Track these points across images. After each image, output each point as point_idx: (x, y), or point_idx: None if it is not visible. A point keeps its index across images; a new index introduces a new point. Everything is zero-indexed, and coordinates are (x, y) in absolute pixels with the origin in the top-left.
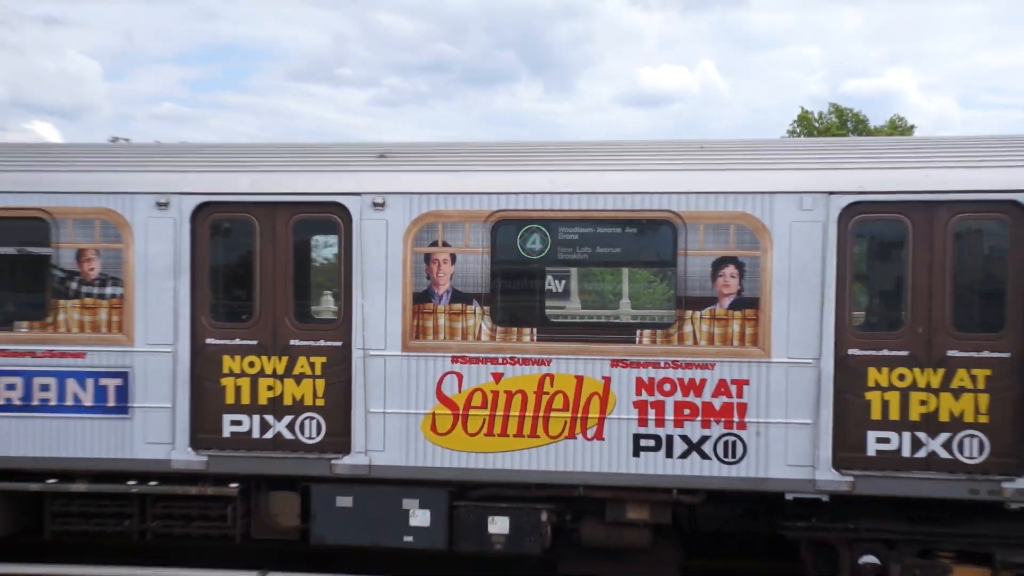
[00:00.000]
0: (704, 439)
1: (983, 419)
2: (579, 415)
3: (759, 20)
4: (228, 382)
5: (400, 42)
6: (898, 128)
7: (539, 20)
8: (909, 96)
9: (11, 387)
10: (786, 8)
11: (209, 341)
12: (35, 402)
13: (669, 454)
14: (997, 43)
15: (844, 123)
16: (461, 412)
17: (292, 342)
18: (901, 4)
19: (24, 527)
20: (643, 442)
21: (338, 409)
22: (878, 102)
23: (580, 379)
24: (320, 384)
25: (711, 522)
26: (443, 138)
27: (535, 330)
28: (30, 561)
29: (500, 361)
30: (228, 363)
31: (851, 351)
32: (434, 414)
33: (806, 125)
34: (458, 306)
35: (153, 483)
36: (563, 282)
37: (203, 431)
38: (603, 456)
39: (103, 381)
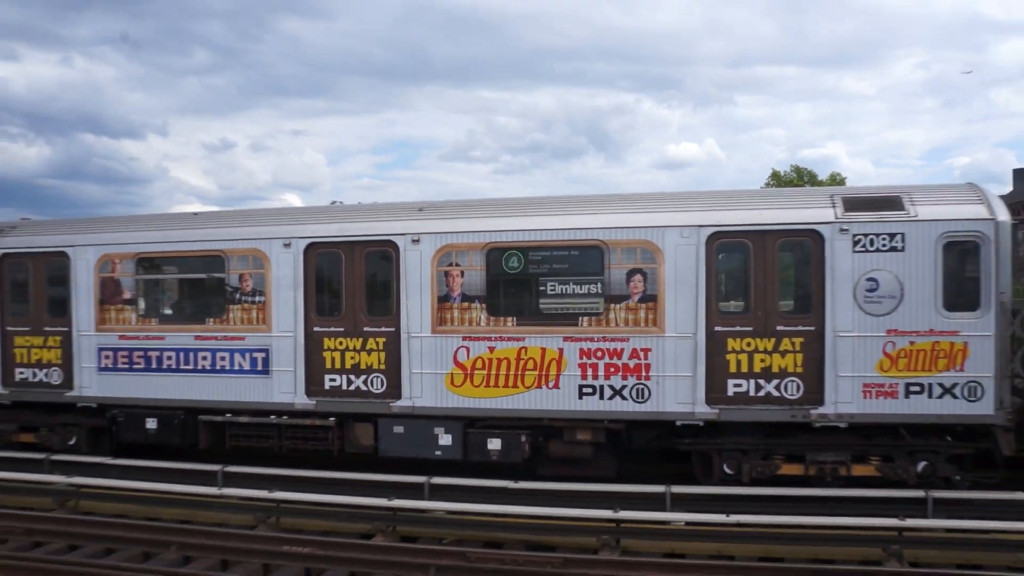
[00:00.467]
0: (623, 387)
1: (799, 370)
2: (543, 373)
3: (743, 113)
4: (327, 355)
5: (510, 133)
6: (836, 180)
7: (600, 115)
8: (841, 159)
9: (205, 358)
10: (760, 105)
11: (316, 329)
12: (219, 367)
13: (601, 397)
14: (895, 126)
15: (801, 178)
16: (469, 372)
17: (365, 328)
18: (835, 101)
19: (214, 443)
20: (584, 390)
21: (393, 371)
22: (822, 163)
23: (544, 350)
24: (380, 355)
25: (640, 442)
26: (533, 193)
27: (514, 318)
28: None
29: (493, 338)
30: (327, 342)
31: (716, 328)
32: (452, 373)
33: (776, 179)
34: (466, 304)
35: (285, 417)
36: (531, 286)
37: (313, 384)
38: (559, 399)
39: (255, 354)
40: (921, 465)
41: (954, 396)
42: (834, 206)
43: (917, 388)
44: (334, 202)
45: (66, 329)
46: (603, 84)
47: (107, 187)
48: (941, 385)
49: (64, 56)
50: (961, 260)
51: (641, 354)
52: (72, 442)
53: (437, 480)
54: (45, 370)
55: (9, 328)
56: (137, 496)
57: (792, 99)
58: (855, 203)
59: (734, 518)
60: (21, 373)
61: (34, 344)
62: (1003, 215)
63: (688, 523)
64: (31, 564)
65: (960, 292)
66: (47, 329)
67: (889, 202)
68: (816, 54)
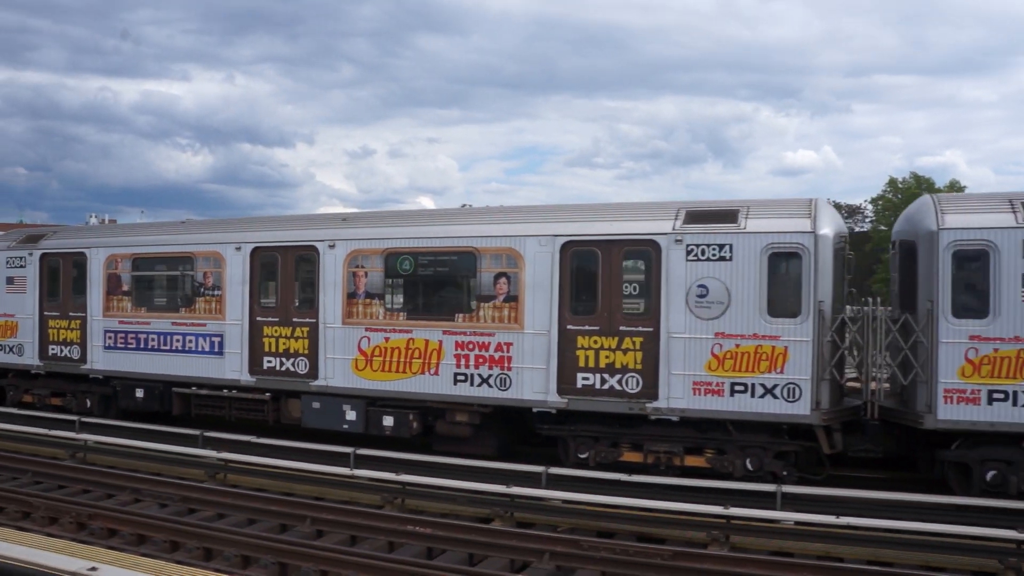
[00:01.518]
0: (490, 376)
1: (639, 367)
2: (426, 361)
3: (860, 121)
4: (265, 340)
5: (632, 140)
6: (954, 187)
7: (719, 123)
8: (960, 167)
9: (178, 340)
10: (877, 113)
11: (258, 318)
12: (187, 348)
13: (472, 384)
14: (1016, 133)
15: (920, 186)
16: (369, 358)
17: (294, 319)
18: (953, 109)
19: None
20: (458, 377)
21: (313, 355)
22: (940, 171)
23: (427, 341)
24: (305, 342)
25: (516, 425)
26: (654, 198)
27: (405, 314)
28: None
29: (388, 330)
30: (266, 330)
31: (568, 326)
32: (356, 359)
33: (893, 187)
34: (368, 300)
35: (234, 391)
36: (419, 286)
37: (255, 365)
38: (439, 384)
39: (213, 338)
40: (748, 460)
41: (774, 396)
42: (675, 219)
43: (741, 387)
44: (464, 205)
45: (83, 315)
46: (723, 93)
47: (260, 191)
48: (763, 385)
49: (227, 74)
50: (784, 270)
51: (504, 347)
52: (88, 406)
53: (555, 470)
54: (69, 347)
55: (46, 313)
56: (276, 472)
57: (909, 107)
58: (695, 216)
59: (844, 520)
60: (52, 349)
61: (62, 326)
62: (825, 229)
63: (797, 523)
64: (187, 528)
65: (782, 299)
66: (71, 314)
67: (724, 215)
68: (934, 63)
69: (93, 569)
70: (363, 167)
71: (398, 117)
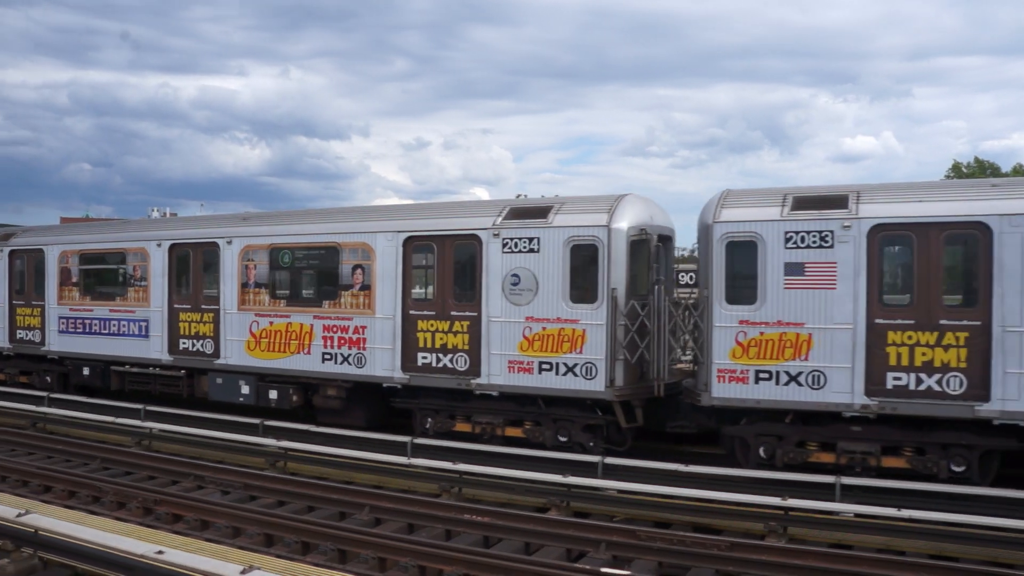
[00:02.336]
0: (349, 355)
1: (465, 347)
2: (301, 342)
3: (922, 105)
4: (181, 325)
5: (687, 128)
6: (1019, 171)
7: (775, 110)
8: None
9: (115, 325)
10: (940, 97)
11: (175, 306)
12: (122, 331)
13: (336, 362)
14: None
15: (984, 170)
16: (258, 340)
17: (203, 307)
18: (1021, 90)
19: (120, 386)
20: (325, 356)
21: (216, 337)
22: (1006, 155)
23: (301, 325)
24: (210, 326)
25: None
26: (711, 187)
27: (285, 301)
28: None
29: (272, 315)
30: (181, 316)
31: (410, 311)
32: (248, 340)
33: (957, 171)
34: (257, 289)
35: (157, 369)
36: (296, 276)
37: (173, 346)
38: (311, 363)
39: (141, 323)
40: (558, 432)
41: (575, 374)
42: (498, 215)
43: (548, 366)
44: (519, 195)
45: (42, 304)
46: (779, 80)
47: (316, 183)
48: (565, 364)
49: (283, 69)
50: (583, 260)
51: (360, 330)
52: (48, 381)
53: (610, 460)
54: (31, 332)
55: (14, 302)
56: (335, 461)
57: (974, 90)
58: (514, 212)
59: (906, 513)
60: (19, 334)
61: (27, 314)
62: (620, 223)
63: (857, 515)
64: (248, 515)
65: (581, 287)
66: (33, 303)
67: (538, 211)
68: (1001, 43)
69: (160, 552)
70: (417, 159)
71: (452, 109)
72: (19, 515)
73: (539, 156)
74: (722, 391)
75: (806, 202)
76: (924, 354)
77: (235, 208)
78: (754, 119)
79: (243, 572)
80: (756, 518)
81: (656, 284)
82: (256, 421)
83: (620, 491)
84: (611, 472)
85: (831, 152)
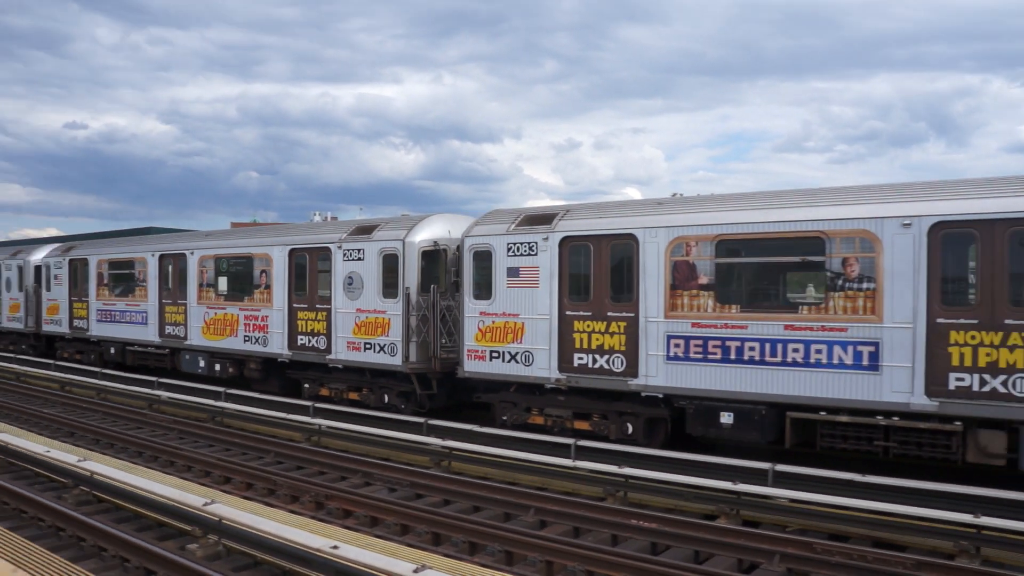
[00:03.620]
0: (260, 338)
1: (322, 331)
2: (232, 327)
3: None
4: (166, 315)
5: (845, 122)
6: None
7: (941, 99)
8: None
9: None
10: None
11: (163, 302)
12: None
13: (255, 344)
14: None
15: None
16: (208, 327)
17: (178, 301)
18: None
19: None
20: (246, 339)
21: (185, 325)
22: None
23: (235, 315)
24: (183, 316)
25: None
26: (869, 182)
27: (224, 296)
28: None
29: (217, 308)
30: (167, 309)
31: (293, 304)
32: (202, 327)
33: None
34: (208, 288)
35: (148, 348)
36: (230, 280)
37: (161, 332)
38: (239, 344)
39: (141, 314)
40: (384, 396)
41: (385, 352)
42: (345, 233)
43: (369, 346)
44: (675, 194)
45: (87, 299)
46: (945, 66)
47: (469, 186)
48: (379, 345)
49: (435, 75)
50: (390, 265)
51: (266, 319)
52: (92, 359)
53: (781, 467)
54: (81, 321)
55: (72, 298)
56: (499, 462)
57: None
58: (354, 230)
59: None
60: (76, 323)
61: (78, 307)
62: (415, 238)
63: None
64: (416, 513)
65: (388, 286)
66: (83, 299)
67: (366, 229)
68: None
69: (335, 547)
70: (569, 160)
71: (602, 109)
72: (205, 504)
73: (691, 154)
74: (471, 367)
75: (526, 220)
76: (594, 339)
77: (392, 211)
78: (918, 110)
79: (416, 571)
80: (944, 535)
81: (433, 284)
82: (420, 420)
83: (792, 500)
84: (782, 480)
85: (1005, 142)
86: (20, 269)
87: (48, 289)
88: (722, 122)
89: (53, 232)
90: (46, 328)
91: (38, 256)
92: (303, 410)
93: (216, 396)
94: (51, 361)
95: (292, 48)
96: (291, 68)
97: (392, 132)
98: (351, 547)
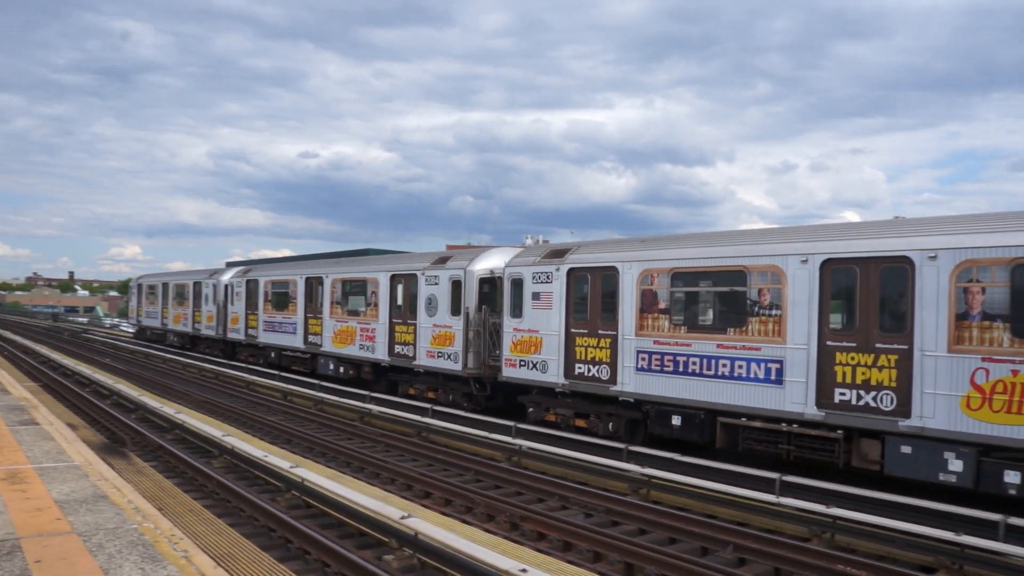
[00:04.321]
0: (370, 346)
1: (412, 343)
2: (352, 337)
3: None
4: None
5: None
6: None
7: None
8: None
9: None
10: None
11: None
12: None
13: (366, 352)
14: None
15: None
16: (336, 337)
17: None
18: None
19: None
20: (361, 347)
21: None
22: None
23: (354, 327)
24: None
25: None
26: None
27: (347, 312)
28: None
29: (341, 322)
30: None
31: (393, 320)
32: (331, 336)
33: None
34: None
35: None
36: (349, 298)
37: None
38: (356, 351)
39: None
40: (451, 397)
41: (451, 359)
42: (427, 262)
43: (442, 355)
44: (896, 216)
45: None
46: None
47: (681, 209)
48: (447, 354)
49: (646, 99)
50: (456, 290)
51: (371, 331)
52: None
53: (1014, 520)
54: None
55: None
56: (698, 493)
57: None
58: (435, 261)
59: None
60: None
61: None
62: (474, 267)
63: None
64: (610, 541)
65: (455, 305)
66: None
67: (443, 260)
68: None
69: (524, 571)
70: (784, 182)
71: (818, 130)
72: (402, 517)
73: (915, 175)
74: (508, 373)
75: (547, 254)
76: (589, 352)
77: (603, 235)
78: None
79: None
80: None
81: (484, 305)
82: (620, 446)
83: None
84: (1014, 534)
85: None
86: (214, 287)
87: (232, 304)
88: (950, 140)
89: (286, 252)
90: (230, 335)
91: (226, 277)
92: (505, 430)
93: (423, 412)
94: (276, 372)
95: (506, 77)
96: (505, 96)
97: (604, 156)
98: (540, 572)
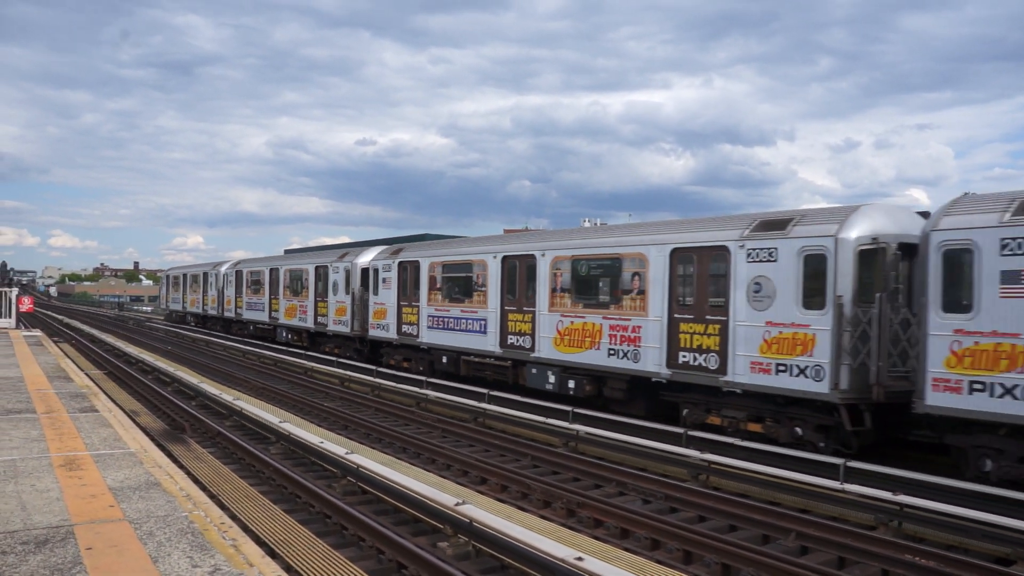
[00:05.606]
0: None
1: (415, 321)
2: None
3: None
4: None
5: None
6: None
7: None
8: None
9: None
10: None
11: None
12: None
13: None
14: None
15: None
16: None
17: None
18: None
19: None
20: (611, 352)
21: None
22: None
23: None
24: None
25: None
26: None
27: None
28: None
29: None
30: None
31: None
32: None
33: None
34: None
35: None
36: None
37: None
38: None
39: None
40: (348, 352)
41: (343, 324)
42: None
43: (339, 322)
44: (966, 193)
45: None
46: None
47: (741, 190)
48: (342, 321)
49: (705, 79)
50: (348, 277)
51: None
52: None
53: None
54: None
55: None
56: (760, 479)
57: None
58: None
59: None
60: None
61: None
62: (357, 261)
63: None
64: (668, 528)
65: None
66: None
67: (342, 255)
68: None
69: (579, 559)
70: (846, 161)
71: (883, 106)
72: (457, 504)
73: (986, 150)
74: (372, 333)
75: (391, 252)
76: (408, 317)
77: (661, 216)
78: None
79: None
80: None
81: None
82: (679, 430)
83: None
84: None
85: None
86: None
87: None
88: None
89: (345, 239)
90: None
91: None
92: (562, 415)
93: (479, 397)
94: (373, 367)
95: (563, 59)
96: (562, 79)
97: (661, 138)
98: (596, 560)
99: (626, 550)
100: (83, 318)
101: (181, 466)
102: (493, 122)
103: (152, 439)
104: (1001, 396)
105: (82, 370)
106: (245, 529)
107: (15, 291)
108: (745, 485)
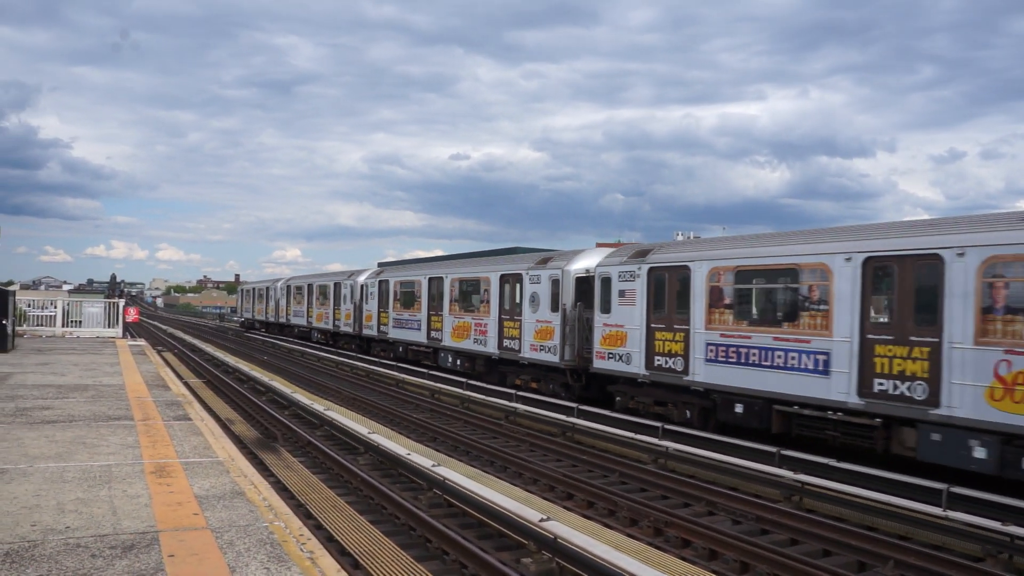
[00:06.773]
0: (481, 339)
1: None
2: (466, 332)
3: None
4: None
5: None
6: None
7: None
8: None
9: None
10: None
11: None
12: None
13: (476, 345)
14: None
15: None
16: (453, 332)
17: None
18: None
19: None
20: (475, 340)
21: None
22: None
23: (469, 323)
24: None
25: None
26: None
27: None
28: None
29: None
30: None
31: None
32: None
33: None
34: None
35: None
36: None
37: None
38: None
39: None
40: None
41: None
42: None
43: (542, 348)
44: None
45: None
46: None
47: (839, 203)
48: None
49: (801, 90)
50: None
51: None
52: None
53: None
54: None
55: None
56: (856, 502)
57: None
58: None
59: None
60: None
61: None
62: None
63: None
64: (759, 551)
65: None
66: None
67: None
68: None
69: None
70: (951, 172)
71: (990, 114)
72: (541, 520)
73: None
74: (598, 364)
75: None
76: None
77: (756, 230)
78: None
79: None
80: None
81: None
82: (772, 449)
83: None
84: None
85: None
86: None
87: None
88: None
89: (439, 252)
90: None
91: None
92: (652, 431)
93: (568, 411)
94: (425, 371)
95: (656, 72)
96: (655, 92)
97: (756, 150)
98: None
99: (713, 572)
100: (185, 328)
101: (267, 476)
102: (586, 136)
103: (243, 447)
104: (618, 360)
105: (181, 379)
106: (328, 540)
107: (123, 302)
108: (840, 508)
